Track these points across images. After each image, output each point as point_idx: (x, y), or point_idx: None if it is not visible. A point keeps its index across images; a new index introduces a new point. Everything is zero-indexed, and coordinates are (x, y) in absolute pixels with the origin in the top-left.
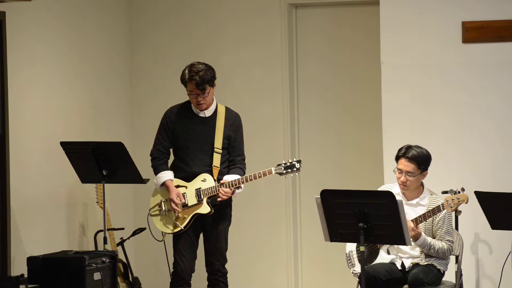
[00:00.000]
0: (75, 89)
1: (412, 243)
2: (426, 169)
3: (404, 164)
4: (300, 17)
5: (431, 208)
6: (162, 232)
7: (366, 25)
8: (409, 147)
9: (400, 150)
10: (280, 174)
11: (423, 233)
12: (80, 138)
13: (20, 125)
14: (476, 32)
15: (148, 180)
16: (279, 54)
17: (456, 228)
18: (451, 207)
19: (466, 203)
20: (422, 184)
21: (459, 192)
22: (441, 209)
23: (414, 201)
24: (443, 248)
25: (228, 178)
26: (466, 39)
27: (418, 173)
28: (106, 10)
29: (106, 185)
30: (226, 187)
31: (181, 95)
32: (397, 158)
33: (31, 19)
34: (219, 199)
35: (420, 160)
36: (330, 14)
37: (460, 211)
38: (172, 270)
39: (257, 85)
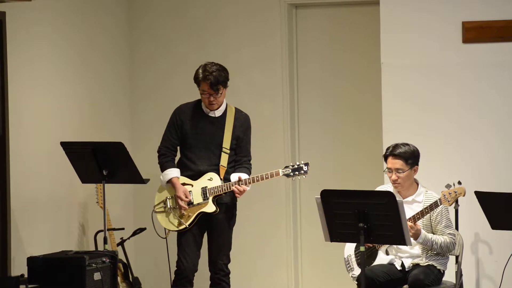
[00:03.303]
0: (75, 89)
1: (414, 242)
2: (416, 164)
3: (392, 162)
4: (300, 18)
5: (427, 204)
6: (165, 229)
7: (366, 26)
8: (395, 146)
9: (387, 149)
10: (288, 176)
11: (422, 230)
12: (80, 138)
13: (20, 126)
14: (476, 32)
15: (148, 180)
16: (279, 55)
17: (456, 228)
18: (448, 201)
19: (464, 195)
20: (416, 181)
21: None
22: (439, 204)
23: (410, 199)
24: (445, 242)
25: (235, 176)
26: (466, 39)
27: (407, 169)
28: (106, 10)
29: (106, 185)
30: (244, 184)
31: (181, 96)
32: (385, 158)
33: (31, 19)
34: (237, 194)
35: (407, 155)
36: (330, 14)
37: (459, 205)
38: (175, 268)
39: (257, 85)
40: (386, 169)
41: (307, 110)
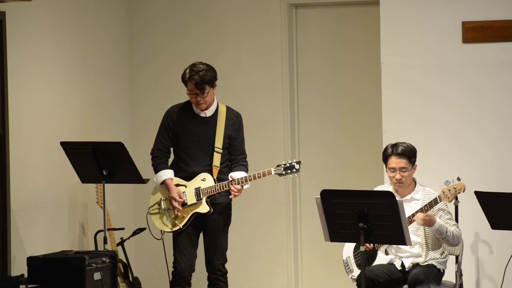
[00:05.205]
0: (75, 86)
1: (414, 241)
2: (415, 162)
3: (396, 161)
4: (300, 18)
5: (427, 201)
6: (161, 230)
7: (366, 24)
8: (395, 145)
9: (386, 149)
10: (280, 175)
11: (437, 218)
12: (80, 135)
13: (20, 124)
14: (476, 32)
15: (148, 180)
16: (279, 52)
17: None
18: (448, 197)
19: (463, 191)
20: (413, 180)
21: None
22: (438, 201)
23: (408, 197)
24: (455, 231)
25: (233, 175)
26: (466, 39)
27: (411, 167)
28: (106, 6)
29: (106, 185)
30: (236, 184)
31: (180, 92)
32: (386, 158)
33: (31, 15)
34: (231, 196)
35: (410, 154)
36: (330, 14)
37: (458, 201)
38: (172, 269)
39: (256, 83)
40: (388, 169)
41: (307, 107)
